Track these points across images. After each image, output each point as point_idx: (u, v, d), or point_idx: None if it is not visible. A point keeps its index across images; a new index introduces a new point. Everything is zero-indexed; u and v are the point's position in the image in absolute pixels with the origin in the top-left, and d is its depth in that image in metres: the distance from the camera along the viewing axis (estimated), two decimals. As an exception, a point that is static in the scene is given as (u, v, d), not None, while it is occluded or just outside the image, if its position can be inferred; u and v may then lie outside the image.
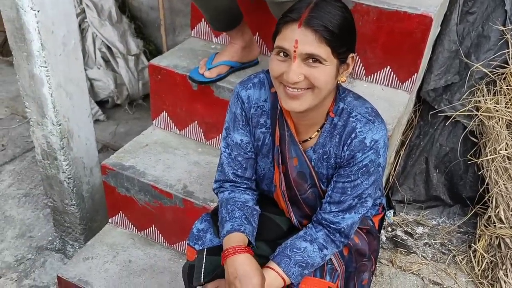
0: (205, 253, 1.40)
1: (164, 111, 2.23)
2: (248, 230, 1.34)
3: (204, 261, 1.39)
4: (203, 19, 2.29)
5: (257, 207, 1.43)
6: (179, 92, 2.12)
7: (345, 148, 1.25)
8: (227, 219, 1.36)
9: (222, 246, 1.37)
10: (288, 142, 1.32)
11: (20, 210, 2.58)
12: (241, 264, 1.23)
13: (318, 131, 1.31)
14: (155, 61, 2.17)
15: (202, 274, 1.38)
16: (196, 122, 2.17)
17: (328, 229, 1.32)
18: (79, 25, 3.13)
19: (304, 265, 1.30)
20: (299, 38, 1.10)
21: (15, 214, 2.55)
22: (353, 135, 1.24)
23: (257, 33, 2.22)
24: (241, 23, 1.98)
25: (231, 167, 1.41)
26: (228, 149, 1.41)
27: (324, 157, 1.31)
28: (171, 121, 2.24)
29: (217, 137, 2.17)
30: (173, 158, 2.12)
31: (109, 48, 3.21)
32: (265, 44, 2.24)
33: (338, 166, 1.30)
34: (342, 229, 1.31)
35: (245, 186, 1.44)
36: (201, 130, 2.19)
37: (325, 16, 1.11)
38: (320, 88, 1.15)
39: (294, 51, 1.11)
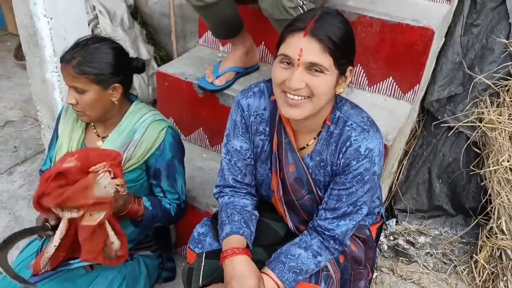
0: (204, 257, 1.44)
1: (171, 117, 2.28)
2: (247, 233, 1.38)
3: (203, 264, 1.43)
4: (210, 28, 2.34)
5: (255, 212, 1.47)
6: (185, 99, 2.17)
7: (341, 156, 1.29)
8: (227, 222, 1.40)
9: (221, 249, 1.41)
10: (286, 148, 1.36)
11: (30, 211, 2.62)
12: (239, 265, 1.27)
13: (315, 138, 1.35)
14: (163, 68, 2.22)
15: (201, 277, 1.42)
16: (201, 128, 2.22)
17: (322, 236, 1.35)
18: (92, 31, 3.20)
19: (298, 271, 1.33)
20: (304, 46, 1.15)
21: (25, 215, 2.60)
22: (348, 143, 1.28)
23: (263, 42, 2.27)
24: (242, 30, 2.04)
25: (231, 172, 1.46)
26: (228, 155, 1.45)
27: (321, 164, 1.34)
28: (177, 127, 2.29)
29: (221, 143, 2.20)
30: (178, 163, 2.17)
31: (120, 53, 3.27)
32: (270, 53, 2.29)
33: (334, 173, 1.33)
34: (336, 236, 1.34)
35: (244, 191, 1.48)
36: (206, 136, 2.23)
37: (329, 27, 1.16)
38: (319, 97, 1.20)
39: (298, 59, 1.16)
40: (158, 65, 3.43)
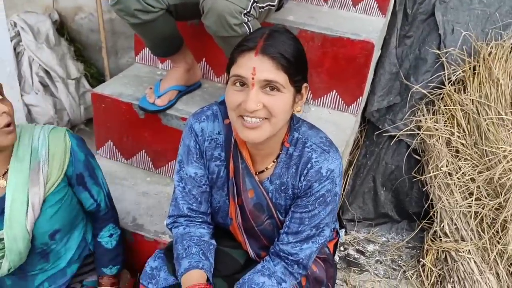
0: None
1: (110, 140, 2.15)
2: (206, 266, 1.30)
3: None
4: (147, 45, 2.24)
5: (213, 241, 1.39)
6: (125, 121, 2.05)
7: (302, 178, 1.25)
8: (184, 255, 1.31)
9: (177, 285, 1.32)
10: (243, 174, 1.30)
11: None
12: None
13: (274, 161, 1.30)
14: (99, 89, 2.09)
15: None
16: (143, 150, 2.11)
17: (286, 261, 1.31)
18: (14, 49, 2.97)
19: None
20: (256, 65, 1.10)
21: None
22: (309, 165, 1.24)
23: (204, 58, 2.20)
24: (183, 47, 1.97)
25: (185, 201, 1.37)
26: (182, 183, 1.37)
27: (282, 188, 1.30)
28: (117, 150, 2.16)
29: (166, 165, 2.11)
30: (121, 189, 2.04)
31: (47, 72, 3.06)
32: (211, 69, 2.23)
33: (296, 196, 1.29)
34: (300, 260, 1.30)
35: (200, 220, 1.40)
36: (149, 158, 2.12)
37: (280, 44, 1.12)
38: (278, 117, 1.15)
39: (252, 78, 1.10)
40: (89, 83, 3.25)
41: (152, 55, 2.26)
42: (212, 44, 2.03)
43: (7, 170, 1.47)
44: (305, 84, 1.21)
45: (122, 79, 2.18)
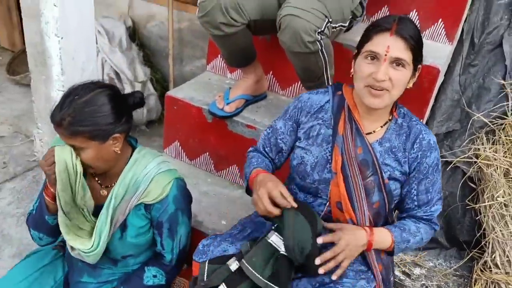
0: (206, 263, 1.47)
1: (177, 141, 2.28)
2: (269, 168, 1.57)
3: (206, 269, 1.46)
4: (219, 55, 2.38)
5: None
6: (193, 124, 2.17)
7: (415, 146, 1.46)
8: (253, 162, 1.59)
9: (221, 256, 1.47)
10: (353, 133, 1.48)
11: (18, 229, 2.54)
12: (260, 177, 1.46)
13: (381, 126, 1.49)
14: (172, 92, 2.23)
15: (205, 276, 1.45)
16: (207, 153, 2.23)
17: (420, 220, 1.54)
18: (90, 50, 3.19)
19: (402, 229, 1.50)
20: (390, 44, 1.34)
21: (13, 233, 2.52)
22: (421, 136, 1.46)
23: (271, 72, 2.31)
24: (255, 60, 2.08)
25: (264, 142, 1.66)
26: (269, 130, 1.64)
27: (393, 150, 1.48)
28: (182, 150, 2.29)
29: (227, 169, 2.22)
30: (183, 188, 2.16)
31: (117, 74, 3.26)
32: (277, 82, 2.33)
33: (403, 162, 1.46)
34: (433, 219, 1.54)
35: (268, 160, 1.66)
36: (211, 161, 2.24)
37: (409, 29, 1.37)
38: (397, 89, 1.38)
39: (385, 55, 1.34)
40: (154, 87, 3.43)
41: (222, 64, 2.40)
42: (279, 59, 2.14)
43: (110, 185, 1.57)
44: (420, 65, 1.42)
45: (194, 85, 2.32)
